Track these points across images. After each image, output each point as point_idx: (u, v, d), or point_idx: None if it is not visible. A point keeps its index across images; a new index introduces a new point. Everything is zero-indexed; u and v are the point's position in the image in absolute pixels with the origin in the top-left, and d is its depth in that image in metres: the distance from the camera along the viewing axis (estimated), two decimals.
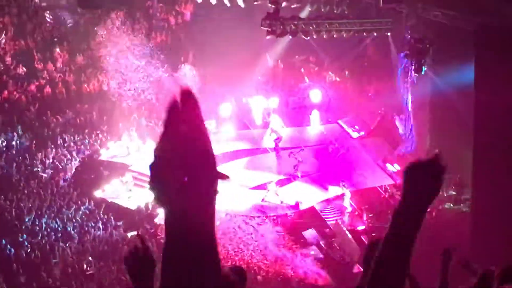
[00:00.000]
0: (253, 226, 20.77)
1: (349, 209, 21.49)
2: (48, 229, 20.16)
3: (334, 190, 22.24)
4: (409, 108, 23.53)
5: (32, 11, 25.21)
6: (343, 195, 21.63)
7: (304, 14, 22.81)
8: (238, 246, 20.09)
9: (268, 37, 21.70)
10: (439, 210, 20.62)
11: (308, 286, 18.29)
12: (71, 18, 25.18)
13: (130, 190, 22.83)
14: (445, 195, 21.14)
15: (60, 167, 22.47)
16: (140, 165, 23.60)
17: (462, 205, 20.61)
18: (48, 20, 25.32)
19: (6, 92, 24.09)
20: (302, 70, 28.24)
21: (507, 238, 15.34)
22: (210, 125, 25.28)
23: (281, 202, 21.76)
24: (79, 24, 25.24)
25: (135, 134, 24.87)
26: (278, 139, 24.38)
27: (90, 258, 19.35)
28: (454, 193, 21.25)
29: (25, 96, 24.18)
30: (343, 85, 27.86)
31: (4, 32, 24.65)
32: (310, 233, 20.90)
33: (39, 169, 22.05)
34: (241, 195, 22.26)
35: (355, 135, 25.97)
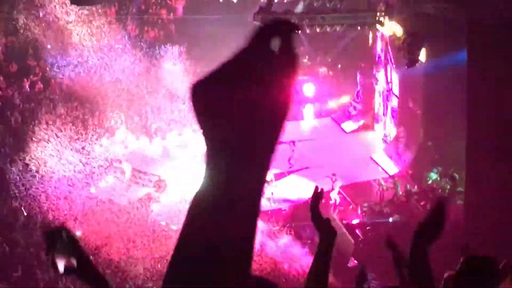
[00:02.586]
0: None
1: (338, 201, 21.48)
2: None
3: (326, 184, 22.27)
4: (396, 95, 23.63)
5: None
6: (333, 187, 21.61)
7: (297, 8, 22.77)
8: None
9: None
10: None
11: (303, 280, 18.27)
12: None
13: (129, 185, 22.95)
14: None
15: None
16: (135, 161, 23.66)
17: (456, 197, 20.62)
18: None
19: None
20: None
21: (499, 230, 15.41)
22: None
23: (272, 194, 21.75)
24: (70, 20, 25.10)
25: (128, 130, 24.90)
26: None
27: None
28: (449, 186, 21.28)
29: (19, 93, 24.16)
30: (335, 79, 27.86)
31: None
32: (305, 227, 20.93)
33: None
34: None
35: (348, 129, 26.03)
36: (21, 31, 24.79)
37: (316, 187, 4.34)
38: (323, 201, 4.37)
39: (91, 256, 3.17)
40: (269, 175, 21.75)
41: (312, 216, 3.96)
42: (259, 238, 20.01)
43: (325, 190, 21.84)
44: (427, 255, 3.30)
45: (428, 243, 3.34)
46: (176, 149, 24.71)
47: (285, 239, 20.20)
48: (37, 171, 21.82)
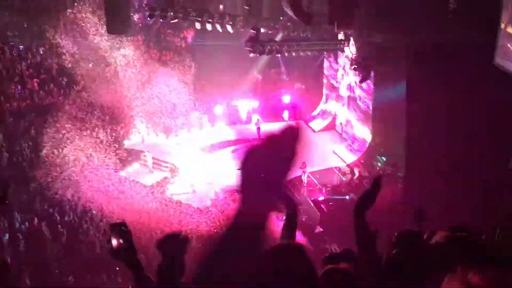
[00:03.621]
0: None
1: (305, 183, 21.53)
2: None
3: (298, 170, 22.32)
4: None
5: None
6: (304, 173, 21.59)
7: (278, 37, 22.77)
8: (231, 213, 20.07)
9: (250, 55, 21.67)
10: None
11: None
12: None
13: (151, 171, 22.90)
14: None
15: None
16: (155, 152, 23.67)
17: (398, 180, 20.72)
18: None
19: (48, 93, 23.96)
20: (283, 76, 28.37)
21: (430, 204, 15.45)
22: (202, 118, 25.54)
23: None
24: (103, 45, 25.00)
25: (150, 129, 24.94)
26: (258, 130, 24.49)
27: None
28: (390, 171, 21.33)
29: (68, 100, 24.05)
30: (306, 91, 27.89)
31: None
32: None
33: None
34: (230, 174, 22.23)
35: (316, 128, 26.06)
36: (67, 53, 24.60)
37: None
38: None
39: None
40: None
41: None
42: None
43: (297, 174, 22.05)
44: (365, 219, 3.36)
45: (366, 209, 3.39)
46: (186, 143, 24.72)
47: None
48: (77, 160, 21.80)
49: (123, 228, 3.21)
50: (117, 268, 17.03)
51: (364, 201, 3.45)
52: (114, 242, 3.18)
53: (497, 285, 1.71)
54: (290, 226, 3.84)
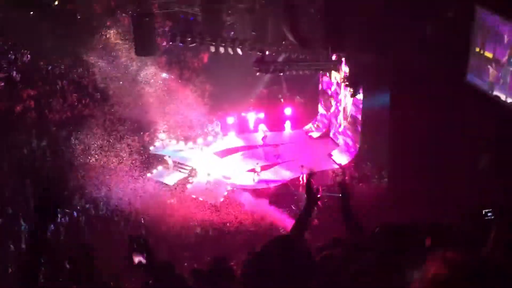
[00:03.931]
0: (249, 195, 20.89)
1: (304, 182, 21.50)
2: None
3: (297, 172, 22.32)
4: (347, 117, 23.61)
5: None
6: (302, 173, 21.55)
7: (280, 58, 22.83)
8: (241, 208, 20.17)
9: (257, 73, 21.75)
10: (369, 188, 20.71)
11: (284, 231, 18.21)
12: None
13: (172, 173, 22.85)
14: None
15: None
16: (176, 157, 23.69)
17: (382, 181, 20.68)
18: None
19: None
20: (280, 95, 28.26)
21: (412, 202, 15.42)
22: (216, 128, 25.46)
23: (253, 179, 21.92)
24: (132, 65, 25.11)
25: (171, 137, 24.99)
26: (264, 137, 24.48)
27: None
28: (377, 175, 21.29)
29: (102, 112, 24.16)
30: (304, 104, 27.88)
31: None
32: (283, 199, 21.00)
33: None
34: (240, 175, 22.30)
35: (314, 136, 26.06)
36: (101, 72, 24.75)
37: (311, 171, 4.59)
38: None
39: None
40: (258, 167, 21.91)
41: (307, 188, 4.03)
42: (257, 205, 20.05)
43: (296, 176, 22.06)
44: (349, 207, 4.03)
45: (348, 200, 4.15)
46: (202, 149, 24.77)
47: (270, 207, 20.23)
48: (110, 163, 21.87)
49: (141, 242, 3.04)
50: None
51: (344, 196, 4.18)
52: (136, 259, 3.01)
53: (469, 257, 1.78)
54: (307, 215, 3.87)
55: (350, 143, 23.75)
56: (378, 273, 2.58)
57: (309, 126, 26.73)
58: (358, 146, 22.97)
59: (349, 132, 23.81)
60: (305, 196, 4.00)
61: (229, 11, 23.41)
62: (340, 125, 24.66)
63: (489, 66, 14.25)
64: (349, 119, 23.65)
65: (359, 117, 22.52)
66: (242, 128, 26.48)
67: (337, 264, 3.25)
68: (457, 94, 14.85)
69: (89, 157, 21.65)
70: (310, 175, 4.27)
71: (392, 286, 2.48)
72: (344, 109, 23.97)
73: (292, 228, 3.87)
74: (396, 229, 3.36)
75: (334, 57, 22.47)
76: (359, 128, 22.70)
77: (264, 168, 22.54)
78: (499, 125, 13.67)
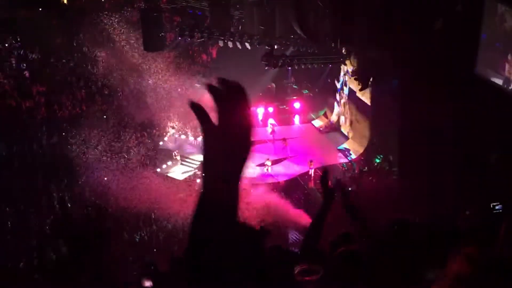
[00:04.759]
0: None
1: (312, 176, 21.43)
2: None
3: (306, 166, 22.30)
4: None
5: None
6: (311, 168, 21.53)
7: (289, 52, 22.77)
8: (249, 202, 20.18)
9: (266, 68, 21.72)
10: (378, 176, 20.63)
11: (295, 224, 18.17)
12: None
13: (181, 167, 22.92)
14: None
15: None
16: (185, 151, 23.75)
17: (392, 173, 20.59)
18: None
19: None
20: (288, 89, 28.22)
21: (420, 194, 15.38)
22: None
23: (270, 172, 21.85)
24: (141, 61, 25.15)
25: (180, 132, 25.05)
26: (273, 132, 24.46)
27: None
28: (387, 166, 21.21)
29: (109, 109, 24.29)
30: (313, 98, 27.80)
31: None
32: (293, 193, 21.00)
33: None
34: (250, 169, 22.27)
35: (322, 129, 26.01)
36: (110, 68, 24.84)
37: (325, 168, 4.62)
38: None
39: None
40: (268, 161, 21.86)
41: (322, 185, 4.06)
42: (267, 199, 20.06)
43: (305, 170, 22.03)
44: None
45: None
46: None
47: (281, 201, 20.23)
48: (121, 158, 22.01)
49: (152, 268, 3.15)
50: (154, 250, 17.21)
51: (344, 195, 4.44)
52: (145, 283, 3.12)
53: (490, 254, 1.79)
54: (324, 211, 3.93)
55: (359, 136, 23.63)
56: (397, 270, 2.58)
57: (317, 119, 26.65)
58: (367, 139, 22.88)
59: (358, 125, 23.70)
60: (318, 191, 4.06)
61: (237, 5, 23.40)
62: (349, 118, 24.56)
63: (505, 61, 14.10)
64: (358, 112, 23.53)
65: (369, 110, 22.41)
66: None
67: (356, 261, 3.22)
68: (467, 85, 14.73)
69: (100, 152, 21.77)
70: (326, 171, 4.23)
71: (412, 284, 2.48)
72: (354, 102, 23.84)
73: (310, 225, 3.91)
74: (413, 226, 3.38)
75: (343, 51, 22.38)
76: (369, 121, 22.59)
77: (274, 162, 22.55)
78: None
